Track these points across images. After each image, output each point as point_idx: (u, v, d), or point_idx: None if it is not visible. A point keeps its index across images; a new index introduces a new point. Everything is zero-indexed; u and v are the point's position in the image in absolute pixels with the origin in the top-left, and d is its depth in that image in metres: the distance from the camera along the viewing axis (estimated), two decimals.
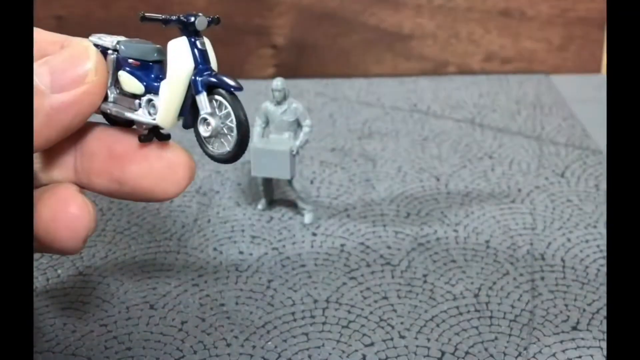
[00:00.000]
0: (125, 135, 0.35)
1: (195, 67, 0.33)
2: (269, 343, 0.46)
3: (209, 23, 0.33)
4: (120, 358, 0.45)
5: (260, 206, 0.61)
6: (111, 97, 0.35)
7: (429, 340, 0.46)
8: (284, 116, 0.57)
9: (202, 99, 0.33)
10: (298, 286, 0.51)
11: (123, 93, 0.34)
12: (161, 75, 0.34)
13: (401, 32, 0.89)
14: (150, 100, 0.34)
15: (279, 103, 0.57)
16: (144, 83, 0.34)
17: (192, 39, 0.33)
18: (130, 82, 0.34)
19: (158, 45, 0.34)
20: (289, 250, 0.55)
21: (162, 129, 0.34)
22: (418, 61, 0.90)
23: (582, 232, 0.57)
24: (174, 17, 0.33)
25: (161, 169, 0.34)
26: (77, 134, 0.35)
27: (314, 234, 0.57)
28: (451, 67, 0.90)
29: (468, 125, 0.76)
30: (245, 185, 0.64)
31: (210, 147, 0.34)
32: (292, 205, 0.60)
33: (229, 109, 0.32)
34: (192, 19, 0.32)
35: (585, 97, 0.82)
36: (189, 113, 0.33)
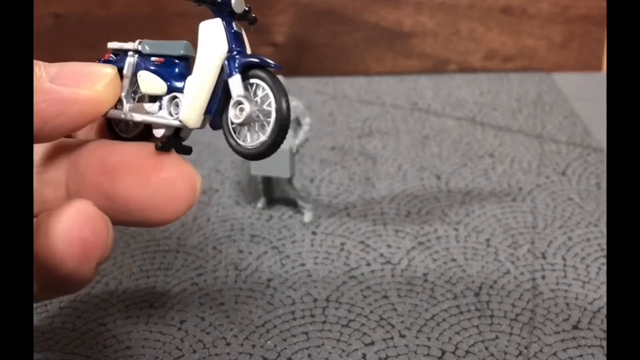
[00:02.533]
0: (123, 146, 0.31)
1: (229, 51, 0.29)
2: (269, 342, 0.46)
3: (245, 13, 0.30)
4: (119, 357, 0.45)
5: (259, 205, 0.60)
6: (127, 106, 0.31)
7: (429, 339, 0.46)
8: None
9: (236, 81, 0.29)
10: (298, 285, 0.51)
11: (141, 99, 0.31)
12: (187, 73, 0.30)
13: (401, 29, 0.89)
14: (173, 98, 0.30)
15: None
16: (168, 82, 0.30)
17: (227, 20, 0.30)
18: (151, 82, 0.31)
19: (186, 41, 0.31)
20: (288, 249, 0.55)
21: (183, 139, 0.31)
22: (418, 59, 0.90)
23: (583, 230, 0.57)
24: None
25: (157, 184, 0.30)
26: (70, 148, 0.32)
27: (314, 233, 0.57)
28: (452, 65, 0.90)
29: (469, 123, 0.76)
30: (244, 184, 0.64)
31: (239, 139, 0.29)
32: (291, 204, 0.60)
33: (268, 90, 0.29)
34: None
35: (587, 95, 0.82)
36: (218, 109, 0.30)
